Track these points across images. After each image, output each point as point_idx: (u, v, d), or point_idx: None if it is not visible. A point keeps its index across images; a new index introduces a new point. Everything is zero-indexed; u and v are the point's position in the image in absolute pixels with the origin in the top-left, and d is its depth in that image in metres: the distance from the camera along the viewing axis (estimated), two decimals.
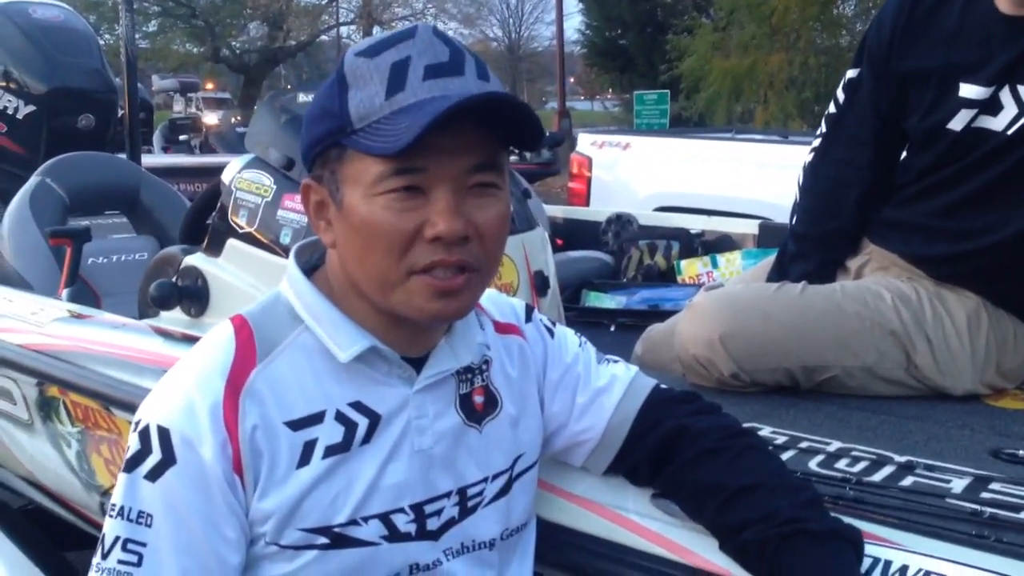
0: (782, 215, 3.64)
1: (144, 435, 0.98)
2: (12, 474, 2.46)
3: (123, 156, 3.94)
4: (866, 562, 1.04)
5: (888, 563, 1.04)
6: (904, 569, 1.03)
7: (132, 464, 0.98)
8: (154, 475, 0.97)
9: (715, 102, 13.10)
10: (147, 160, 5.00)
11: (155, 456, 0.97)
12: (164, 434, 0.97)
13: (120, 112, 4.85)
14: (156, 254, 2.59)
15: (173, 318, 2.18)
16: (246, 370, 1.00)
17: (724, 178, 5.05)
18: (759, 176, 4.86)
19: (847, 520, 1.07)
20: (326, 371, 1.03)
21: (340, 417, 1.02)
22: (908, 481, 1.21)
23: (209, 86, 26.28)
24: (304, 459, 1.00)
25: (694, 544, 1.13)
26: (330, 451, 1.01)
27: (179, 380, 1.01)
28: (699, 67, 13.14)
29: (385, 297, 0.99)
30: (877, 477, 1.22)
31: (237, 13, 25.95)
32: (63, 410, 2.04)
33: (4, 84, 4.33)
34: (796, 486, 1.08)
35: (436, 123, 0.89)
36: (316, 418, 1.01)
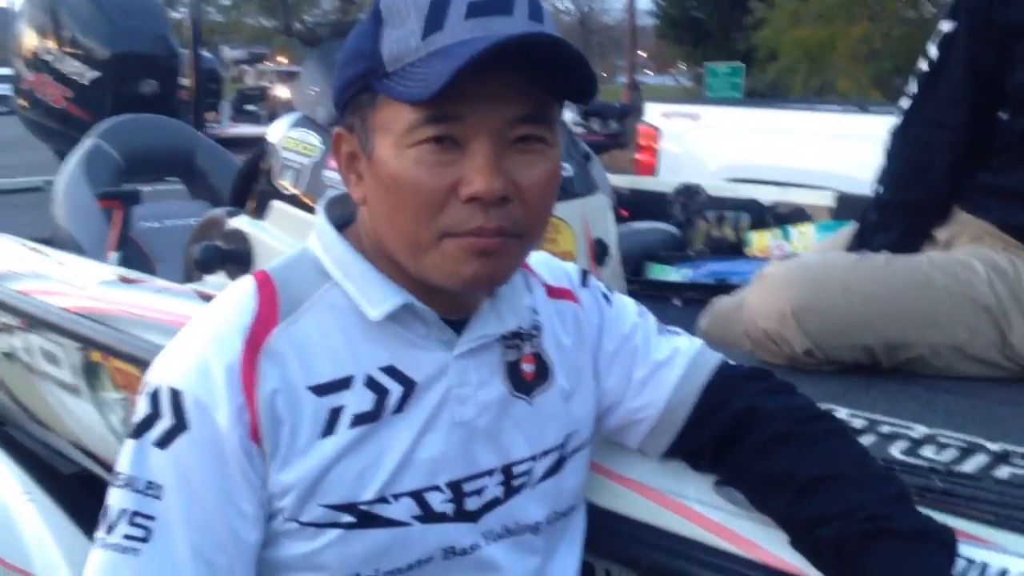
0: (858, 188, 3.48)
1: (154, 398, 0.90)
2: (62, 439, 2.44)
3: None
4: (960, 563, 0.91)
5: (984, 565, 0.91)
6: (1004, 573, 0.90)
7: (140, 429, 0.90)
8: (164, 442, 0.88)
9: (788, 74, 12.77)
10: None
11: (166, 421, 0.88)
12: (176, 397, 0.88)
13: (185, 81, 4.85)
14: None
15: (218, 282, 2.12)
16: (267, 329, 0.91)
17: (797, 149, 4.87)
18: (834, 147, 4.67)
19: (937, 516, 0.94)
20: (356, 331, 0.93)
21: (371, 383, 0.93)
22: (1004, 472, 1.08)
23: (282, 60, 26.50)
24: (329, 428, 0.91)
25: (761, 537, 1.02)
26: (359, 420, 0.92)
27: (193, 339, 0.92)
28: (774, 37, 12.80)
29: (415, 261, 0.89)
30: (968, 467, 1.09)
31: None
32: (106, 376, 1.99)
33: (71, 50, 4.35)
34: (881, 478, 0.96)
35: (469, 67, 0.79)
36: (344, 383, 0.92)
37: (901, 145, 1.69)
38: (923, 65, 1.66)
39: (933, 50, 1.64)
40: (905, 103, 1.70)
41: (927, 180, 1.64)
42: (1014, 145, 1.55)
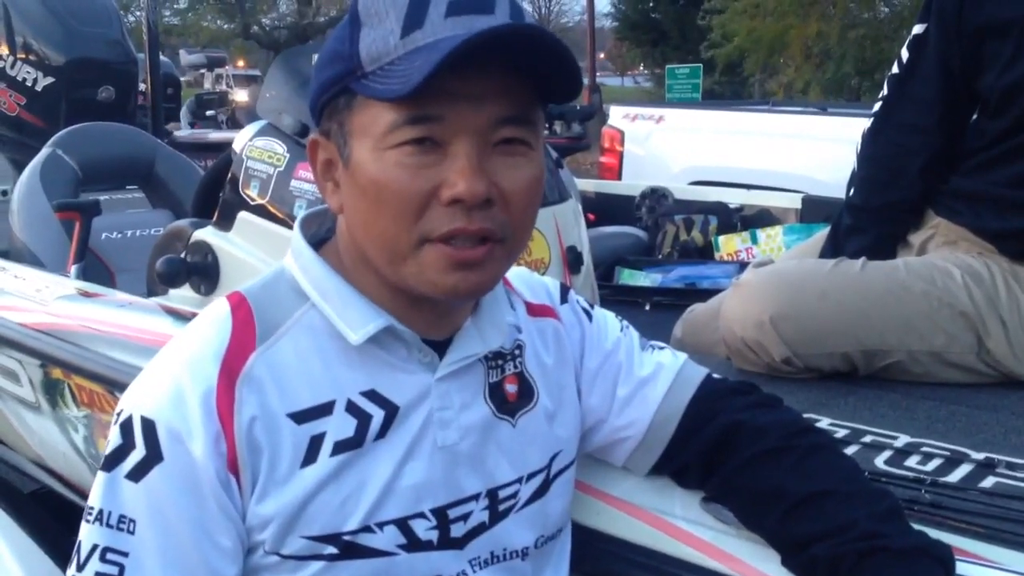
0: (819, 189, 3.52)
1: (126, 428, 0.86)
2: (22, 457, 2.37)
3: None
4: None
5: None
6: None
7: (112, 461, 0.86)
8: (137, 474, 0.85)
9: (737, 55, 12.83)
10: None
11: (138, 452, 0.85)
12: (149, 427, 0.85)
13: (142, 85, 4.77)
14: None
15: (183, 296, 2.07)
16: (244, 354, 0.87)
17: (761, 151, 4.89)
18: (796, 149, 4.71)
19: (926, 530, 0.93)
20: (336, 355, 0.90)
21: (352, 408, 0.89)
22: (989, 482, 1.07)
23: (240, 63, 26.26)
24: (310, 456, 0.87)
25: (750, 556, 1.00)
26: (340, 447, 0.88)
27: (167, 366, 0.88)
28: (729, 25, 12.88)
29: (395, 269, 0.86)
30: (954, 478, 1.08)
31: None
32: (68, 393, 1.94)
33: (23, 55, 4.27)
34: (873, 493, 0.94)
35: (451, 59, 0.76)
36: (324, 409, 0.89)
37: (873, 148, 1.68)
38: (895, 67, 1.66)
39: (905, 52, 1.63)
40: (877, 106, 1.69)
41: (900, 184, 1.63)
42: (985, 148, 1.54)
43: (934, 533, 0.93)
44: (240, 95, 13.68)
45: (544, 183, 0.90)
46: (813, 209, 2.90)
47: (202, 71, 19.33)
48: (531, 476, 0.99)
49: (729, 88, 13.99)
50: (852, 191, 1.71)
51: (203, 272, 2.02)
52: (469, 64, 0.78)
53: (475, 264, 0.84)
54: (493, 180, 0.83)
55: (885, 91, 1.66)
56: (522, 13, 0.85)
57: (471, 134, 0.82)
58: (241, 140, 2.04)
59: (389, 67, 0.81)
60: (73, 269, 2.42)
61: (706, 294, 2.00)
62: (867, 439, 1.20)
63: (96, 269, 2.67)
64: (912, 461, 1.13)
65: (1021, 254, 1.51)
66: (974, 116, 1.60)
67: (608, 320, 1.09)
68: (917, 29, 1.61)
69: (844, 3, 12.44)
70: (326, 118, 0.88)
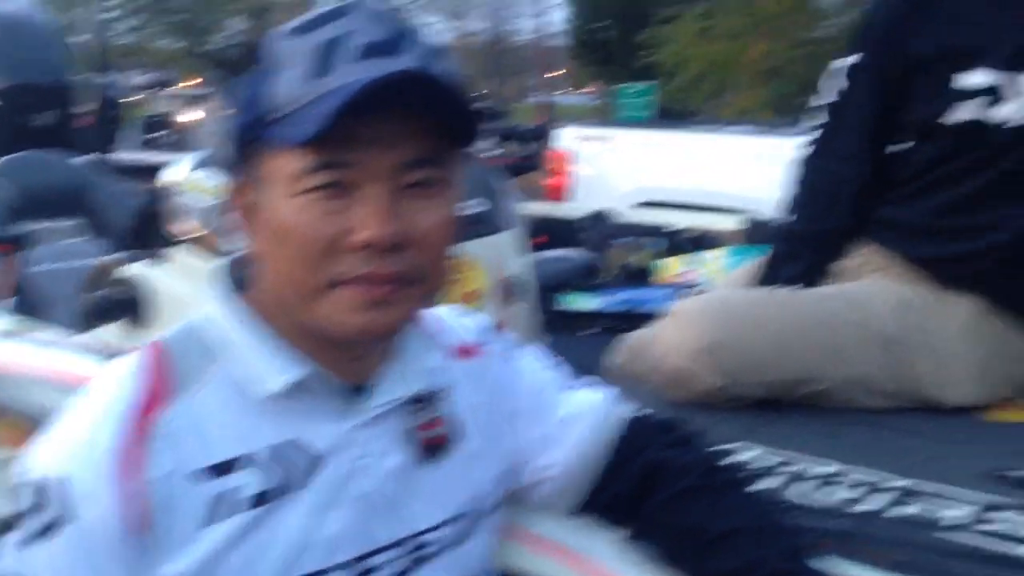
0: (768, 210, 3.54)
1: (31, 489, 0.83)
2: None
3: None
4: None
5: None
6: None
7: (17, 523, 0.84)
8: (41, 536, 0.82)
9: (693, 89, 12.93)
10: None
11: (42, 513, 0.82)
12: (53, 487, 0.82)
13: (82, 108, 4.71)
14: None
15: (114, 332, 2.03)
16: (158, 408, 0.85)
17: (710, 172, 4.94)
18: (745, 169, 4.75)
19: (845, 561, 0.95)
20: (255, 405, 0.88)
21: (271, 459, 0.87)
22: (910, 510, 1.09)
23: (190, 83, 26.04)
24: (226, 511, 0.85)
25: None
26: (258, 500, 0.86)
27: (74, 422, 0.85)
28: (680, 52, 12.98)
29: (307, 311, 0.85)
30: (875, 505, 1.10)
31: (218, 8, 25.81)
32: None
33: None
34: (782, 530, 0.95)
35: (348, 106, 0.76)
36: (241, 462, 0.86)
37: (809, 175, 1.70)
38: (833, 95, 1.67)
39: (843, 81, 1.65)
40: (814, 133, 1.71)
41: (835, 211, 1.64)
42: (913, 178, 1.57)
43: (851, 564, 0.95)
44: (188, 115, 13.55)
45: (455, 221, 0.90)
46: (759, 231, 2.92)
47: (151, 91, 19.15)
48: (452, 520, 0.97)
49: (676, 102, 14.04)
50: (787, 218, 1.72)
51: (134, 308, 1.98)
52: (370, 109, 0.78)
53: (384, 302, 0.84)
54: (404, 223, 0.82)
55: (823, 118, 1.68)
56: (431, 55, 0.85)
57: (380, 178, 0.81)
58: (178, 172, 2.01)
59: (296, 113, 0.81)
60: (4, 304, 2.37)
61: (649, 318, 2.01)
62: (793, 468, 1.21)
63: (33, 303, 2.61)
64: (835, 489, 1.15)
65: (949, 281, 1.53)
66: (904, 145, 1.63)
67: (535, 359, 1.09)
68: (852, 58, 1.63)
69: (793, 21, 12.61)
70: (244, 164, 0.88)
